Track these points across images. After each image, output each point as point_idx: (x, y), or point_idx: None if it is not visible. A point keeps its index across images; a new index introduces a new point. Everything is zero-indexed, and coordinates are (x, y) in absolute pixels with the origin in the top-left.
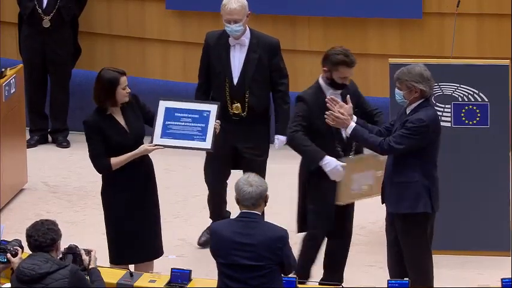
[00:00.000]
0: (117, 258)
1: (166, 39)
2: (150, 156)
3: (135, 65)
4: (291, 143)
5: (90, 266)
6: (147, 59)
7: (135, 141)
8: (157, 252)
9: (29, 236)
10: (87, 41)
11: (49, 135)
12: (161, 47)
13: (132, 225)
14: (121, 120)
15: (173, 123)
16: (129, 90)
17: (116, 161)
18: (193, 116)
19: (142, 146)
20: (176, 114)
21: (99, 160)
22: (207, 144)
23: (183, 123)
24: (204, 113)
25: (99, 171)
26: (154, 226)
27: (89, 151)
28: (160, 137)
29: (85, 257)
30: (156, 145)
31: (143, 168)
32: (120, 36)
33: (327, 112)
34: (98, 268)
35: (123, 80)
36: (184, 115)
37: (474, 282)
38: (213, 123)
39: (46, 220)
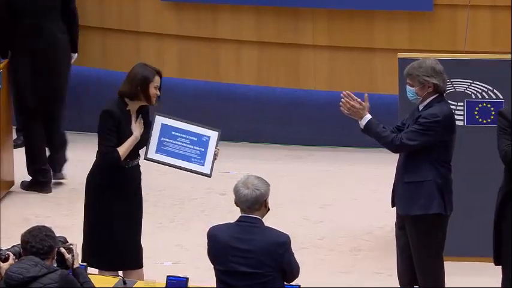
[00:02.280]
0: (96, 263)
1: (162, 33)
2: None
3: (129, 60)
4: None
5: (75, 266)
6: (141, 54)
7: (139, 144)
8: (140, 261)
9: (25, 242)
10: None
11: None
12: (156, 41)
13: (118, 231)
14: (135, 120)
15: (169, 140)
16: (159, 93)
17: (122, 151)
18: (191, 138)
19: (136, 131)
20: (173, 132)
21: (111, 154)
22: (206, 169)
23: (180, 143)
24: (203, 138)
25: (108, 164)
26: (139, 233)
27: (101, 143)
28: (155, 152)
29: (68, 256)
30: (159, 161)
31: (133, 170)
32: (112, 29)
33: (342, 100)
34: (89, 274)
35: (157, 79)
36: (182, 135)
37: None
38: (213, 149)
39: (43, 226)
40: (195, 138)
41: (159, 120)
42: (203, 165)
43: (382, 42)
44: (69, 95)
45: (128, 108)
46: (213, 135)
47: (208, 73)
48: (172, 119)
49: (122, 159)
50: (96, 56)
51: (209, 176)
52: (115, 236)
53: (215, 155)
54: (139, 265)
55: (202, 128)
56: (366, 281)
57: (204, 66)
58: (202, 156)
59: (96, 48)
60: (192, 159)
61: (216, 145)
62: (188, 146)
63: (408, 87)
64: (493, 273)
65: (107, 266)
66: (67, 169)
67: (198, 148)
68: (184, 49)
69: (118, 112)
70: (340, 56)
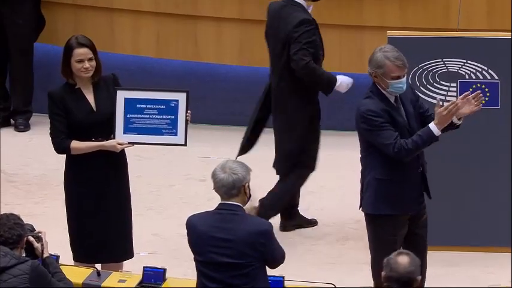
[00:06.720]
0: (79, 257)
1: (137, 10)
2: None
3: (103, 38)
4: None
5: (44, 255)
6: (116, 32)
7: (104, 122)
8: (127, 253)
9: None
10: (48, 11)
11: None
12: (132, 18)
13: (97, 220)
14: (90, 97)
15: (136, 116)
16: (88, 66)
17: (76, 145)
18: (158, 106)
19: (112, 140)
20: (138, 105)
21: (58, 139)
22: (179, 139)
23: (147, 116)
24: (171, 103)
25: (56, 151)
26: (125, 223)
27: (50, 127)
28: (123, 133)
29: (37, 245)
30: (128, 142)
31: (114, 155)
32: (85, 6)
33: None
34: (61, 266)
35: (78, 52)
36: (148, 106)
37: (485, 282)
38: (183, 114)
39: (11, 214)
40: (162, 106)
41: (121, 95)
42: (176, 135)
43: (371, 20)
44: (40, 74)
45: (77, 87)
46: (181, 97)
47: (187, 52)
48: (135, 89)
49: (72, 153)
50: (68, 34)
51: (184, 145)
52: (86, 228)
53: (187, 121)
54: (119, 258)
55: (168, 93)
56: (354, 272)
57: (183, 45)
58: (174, 125)
59: (68, 26)
60: (164, 131)
61: (186, 108)
62: (156, 116)
63: (406, 78)
64: (487, 263)
65: (83, 258)
66: (33, 155)
67: (168, 116)
68: (161, 27)
69: (61, 93)
70: (328, 34)
